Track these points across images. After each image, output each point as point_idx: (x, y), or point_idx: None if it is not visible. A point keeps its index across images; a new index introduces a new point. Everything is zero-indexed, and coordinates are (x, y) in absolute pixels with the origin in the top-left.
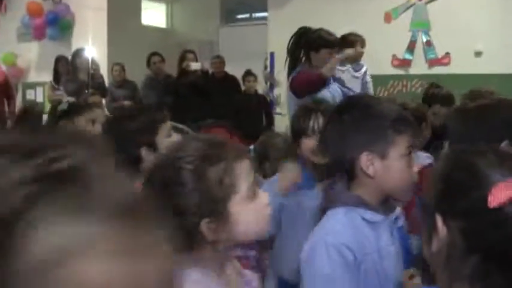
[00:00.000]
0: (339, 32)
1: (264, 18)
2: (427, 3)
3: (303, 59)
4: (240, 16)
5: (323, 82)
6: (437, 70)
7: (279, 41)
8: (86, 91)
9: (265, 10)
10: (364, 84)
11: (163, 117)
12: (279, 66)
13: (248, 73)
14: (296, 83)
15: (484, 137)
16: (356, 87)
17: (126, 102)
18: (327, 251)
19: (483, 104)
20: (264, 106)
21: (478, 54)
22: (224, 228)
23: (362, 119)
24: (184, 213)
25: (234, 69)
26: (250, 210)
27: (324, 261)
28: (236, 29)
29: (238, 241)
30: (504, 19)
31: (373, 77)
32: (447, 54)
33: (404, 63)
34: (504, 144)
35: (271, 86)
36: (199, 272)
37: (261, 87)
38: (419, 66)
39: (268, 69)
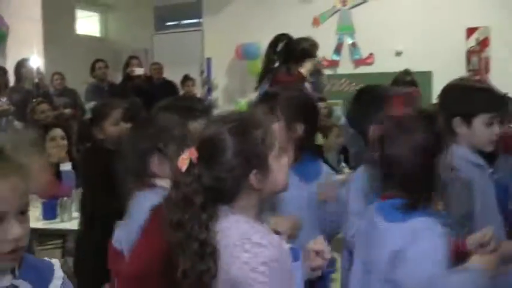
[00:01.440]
0: (270, 36)
1: (197, 24)
2: (351, 8)
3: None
4: (172, 23)
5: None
6: (363, 69)
7: (214, 47)
8: (33, 100)
9: (197, 17)
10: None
11: (113, 106)
12: (216, 72)
13: (186, 78)
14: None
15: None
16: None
17: (67, 110)
18: None
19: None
20: None
21: (398, 53)
22: (266, 179)
23: None
24: (234, 169)
25: (170, 75)
26: (280, 165)
27: None
28: (170, 36)
29: (273, 191)
30: (422, 22)
31: None
32: (371, 54)
33: (333, 64)
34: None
35: (209, 90)
36: (246, 216)
37: (199, 91)
38: (346, 67)
39: (205, 74)
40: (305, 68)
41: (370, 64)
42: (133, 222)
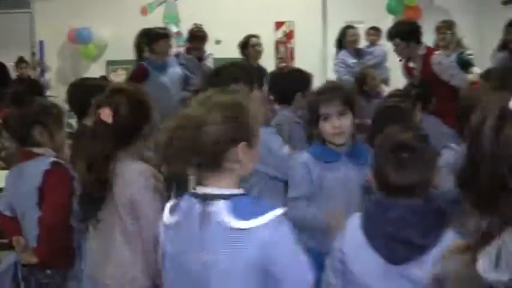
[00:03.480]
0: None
1: (26, 5)
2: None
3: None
4: None
5: (144, 73)
6: None
7: (47, 31)
8: None
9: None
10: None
11: None
12: (48, 54)
13: (21, 60)
14: None
15: None
16: None
17: None
18: None
19: None
20: (37, 90)
21: (218, 42)
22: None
23: None
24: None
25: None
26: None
27: None
28: None
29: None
30: (238, 14)
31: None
32: None
33: None
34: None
35: (42, 72)
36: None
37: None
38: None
39: (38, 56)
40: None
41: None
42: (25, 187)
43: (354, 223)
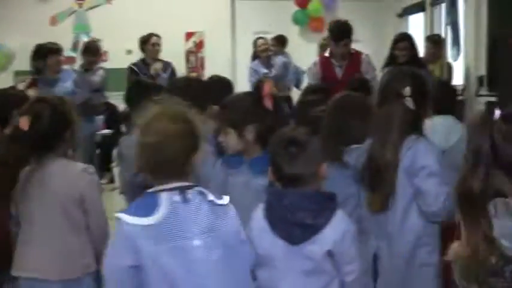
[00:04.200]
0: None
1: None
2: (87, 10)
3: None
4: None
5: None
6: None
7: None
8: None
9: None
10: None
11: None
12: None
13: None
14: None
15: None
16: None
17: None
18: None
19: None
20: None
21: (129, 52)
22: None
23: None
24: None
25: None
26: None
27: None
28: None
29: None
30: (149, 25)
31: None
32: (105, 52)
33: (70, 60)
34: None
35: None
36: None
37: None
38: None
39: None
40: None
41: (104, 61)
42: None
43: (258, 213)
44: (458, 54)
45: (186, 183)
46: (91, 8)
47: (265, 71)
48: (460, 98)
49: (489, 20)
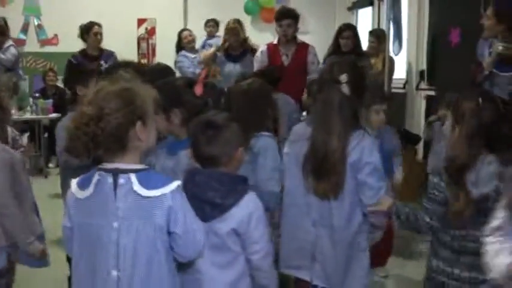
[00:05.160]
0: None
1: None
2: None
3: None
4: None
5: None
6: (48, 49)
7: None
8: None
9: None
10: None
11: None
12: None
13: None
14: None
15: None
16: None
17: None
18: None
19: None
20: None
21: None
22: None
23: None
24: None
25: None
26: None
27: None
28: None
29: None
30: (102, 11)
31: None
32: (55, 35)
33: (20, 43)
34: None
35: None
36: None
37: None
38: (32, 45)
39: None
40: None
41: (55, 44)
42: None
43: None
44: (400, 48)
45: (124, 166)
46: None
47: (193, 55)
48: (402, 91)
49: (430, 16)
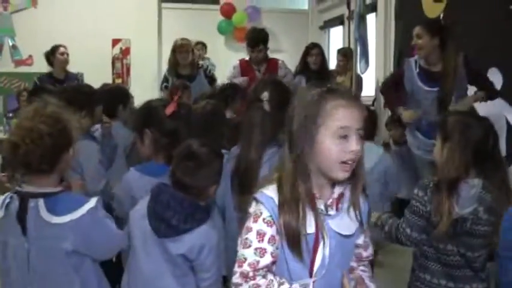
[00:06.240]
0: None
1: None
2: (12, 13)
3: None
4: None
5: None
6: (23, 69)
7: None
8: None
9: None
10: None
11: None
12: None
13: None
14: None
15: None
16: None
17: None
18: None
19: None
20: None
21: None
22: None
23: None
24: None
25: None
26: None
27: None
28: None
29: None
30: (76, 30)
31: None
32: (30, 56)
33: None
34: None
35: None
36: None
37: None
38: (6, 66)
39: None
40: None
41: (29, 65)
42: None
43: (145, 200)
44: (366, 67)
45: (36, 190)
46: (16, 11)
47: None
48: (372, 108)
49: (396, 35)
